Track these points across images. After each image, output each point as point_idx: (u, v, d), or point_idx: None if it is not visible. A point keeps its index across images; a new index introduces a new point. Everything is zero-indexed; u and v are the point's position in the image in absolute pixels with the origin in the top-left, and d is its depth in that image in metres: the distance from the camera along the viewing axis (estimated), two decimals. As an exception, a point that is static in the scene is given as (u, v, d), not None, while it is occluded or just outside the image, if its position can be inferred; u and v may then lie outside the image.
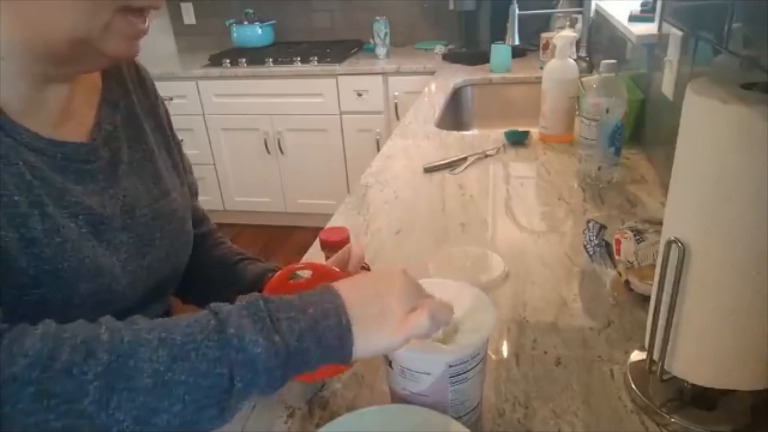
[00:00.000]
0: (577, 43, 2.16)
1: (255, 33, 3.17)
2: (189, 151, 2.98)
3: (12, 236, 0.53)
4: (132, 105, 0.73)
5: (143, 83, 0.77)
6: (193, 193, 0.86)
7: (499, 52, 2.33)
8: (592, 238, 0.94)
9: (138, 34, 0.59)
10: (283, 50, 3.01)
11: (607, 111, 1.17)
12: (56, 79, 0.60)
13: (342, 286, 0.53)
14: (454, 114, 2.18)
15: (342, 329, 0.50)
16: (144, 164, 0.72)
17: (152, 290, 0.71)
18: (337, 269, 0.69)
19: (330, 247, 0.84)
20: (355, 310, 0.51)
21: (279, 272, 0.72)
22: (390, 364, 0.59)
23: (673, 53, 1.11)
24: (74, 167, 0.62)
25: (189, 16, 3.41)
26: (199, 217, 0.88)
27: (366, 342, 0.51)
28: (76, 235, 0.59)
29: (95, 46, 0.56)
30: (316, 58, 2.80)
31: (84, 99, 0.67)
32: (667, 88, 1.15)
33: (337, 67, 2.74)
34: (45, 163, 0.58)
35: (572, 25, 2.30)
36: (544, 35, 2.31)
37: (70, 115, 0.64)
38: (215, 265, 0.84)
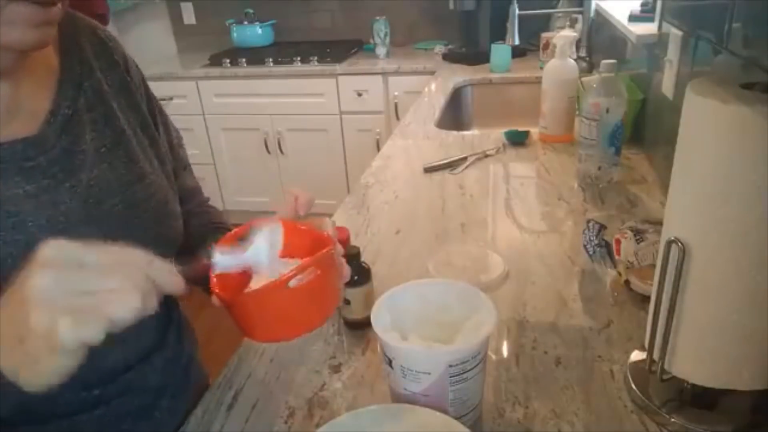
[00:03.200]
0: (577, 43, 2.16)
1: (255, 33, 3.17)
2: (189, 151, 2.96)
3: None
4: (98, 84, 0.66)
5: (109, 58, 0.70)
6: (183, 167, 0.82)
7: (499, 52, 2.33)
8: (592, 238, 0.94)
9: (46, 19, 0.52)
10: (283, 50, 3.01)
11: (607, 111, 1.17)
12: None
13: None
14: (454, 114, 2.18)
15: None
16: (114, 148, 0.66)
17: None
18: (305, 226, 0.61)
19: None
20: (3, 336, 0.41)
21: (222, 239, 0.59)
22: (390, 363, 0.59)
23: (673, 53, 1.11)
24: (17, 167, 0.57)
25: (189, 16, 3.41)
26: (188, 193, 0.82)
27: (31, 368, 0.41)
28: (25, 246, 0.51)
29: None
30: (316, 58, 2.80)
31: (36, 86, 0.61)
32: (667, 88, 1.15)
33: (337, 67, 2.74)
34: None
35: (572, 25, 2.30)
36: (544, 35, 2.31)
37: (16, 110, 0.59)
38: (196, 239, 0.77)
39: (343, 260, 0.61)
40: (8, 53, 0.54)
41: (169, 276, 0.45)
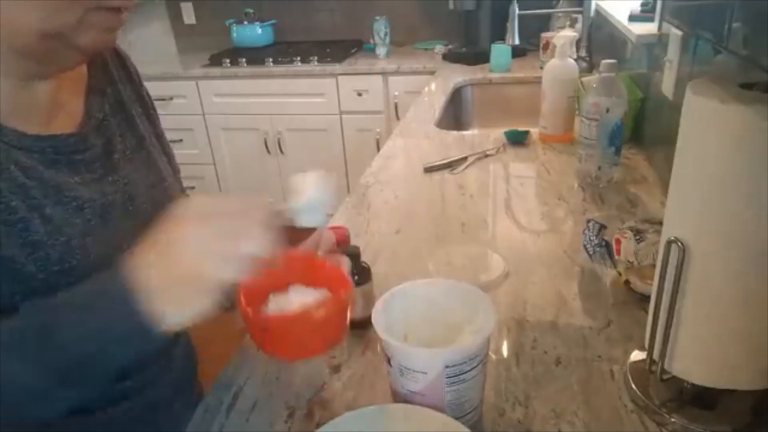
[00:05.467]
0: (577, 43, 2.16)
1: (255, 33, 3.16)
2: (189, 151, 3.00)
3: (15, 243, 0.53)
4: (118, 92, 0.72)
5: (125, 68, 0.75)
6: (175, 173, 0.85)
7: (499, 51, 2.33)
8: (592, 238, 0.94)
9: (115, 26, 0.57)
10: (283, 50, 3.01)
11: (607, 111, 1.17)
12: (40, 76, 0.59)
13: (139, 254, 0.49)
14: (454, 114, 2.18)
15: (137, 317, 0.46)
16: (137, 151, 0.71)
17: None
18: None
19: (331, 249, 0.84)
20: (154, 280, 0.47)
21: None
22: (389, 362, 0.59)
23: (673, 53, 1.11)
24: (66, 159, 0.61)
25: (189, 16, 3.40)
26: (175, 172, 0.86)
27: (178, 309, 0.47)
28: (80, 231, 0.59)
29: (69, 40, 0.55)
30: (316, 58, 2.80)
31: (71, 89, 0.66)
32: (667, 88, 1.15)
33: (337, 67, 2.74)
34: (37, 161, 0.58)
35: (572, 25, 2.30)
36: (544, 35, 2.31)
37: (59, 108, 0.63)
38: None
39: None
40: (78, 55, 0.58)
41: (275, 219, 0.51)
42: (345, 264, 0.65)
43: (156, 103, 0.81)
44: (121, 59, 0.75)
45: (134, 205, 0.67)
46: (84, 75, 0.68)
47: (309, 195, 0.57)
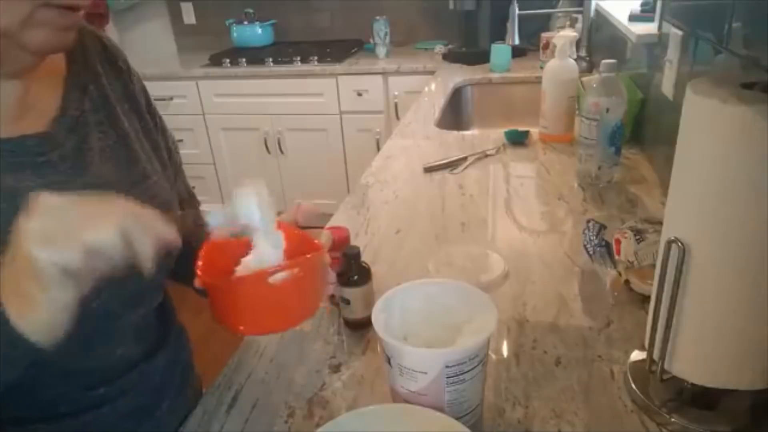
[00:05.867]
0: (577, 43, 2.16)
1: (255, 33, 3.17)
2: (189, 150, 3.00)
3: None
4: (102, 88, 0.68)
5: (113, 64, 0.72)
6: (175, 150, 0.82)
7: (499, 51, 2.33)
8: (592, 238, 0.94)
9: (69, 25, 0.55)
10: (283, 50, 3.01)
11: (607, 111, 1.17)
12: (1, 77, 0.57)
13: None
14: (454, 114, 2.18)
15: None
16: (118, 149, 0.68)
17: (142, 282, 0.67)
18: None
19: (330, 247, 0.84)
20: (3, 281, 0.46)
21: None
22: (389, 361, 0.59)
23: (673, 53, 1.11)
24: (30, 161, 0.58)
25: (189, 16, 3.41)
26: (182, 200, 0.82)
27: (28, 304, 0.45)
28: None
29: (18, 40, 0.52)
30: (316, 58, 2.80)
31: (45, 87, 0.63)
32: (667, 88, 1.15)
33: (337, 67, 2.74)
34: None
35: (572, 25, 2.30)
36: (544, 35, 2.31)
37: (27, 108, 0.60)
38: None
39: (330, 270, 0.63)
40: (28, 55, 0.55)
41: (155, 222, 0.48)
42: (324, 237, 0.62)
43: (156, 104, 0.80)
44: (110, 54, 0.72)
45: None
46: (62, 71, 0.65)
47: (241, 214, 0.55)
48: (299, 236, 0.61)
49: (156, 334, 0.76)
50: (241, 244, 0.58)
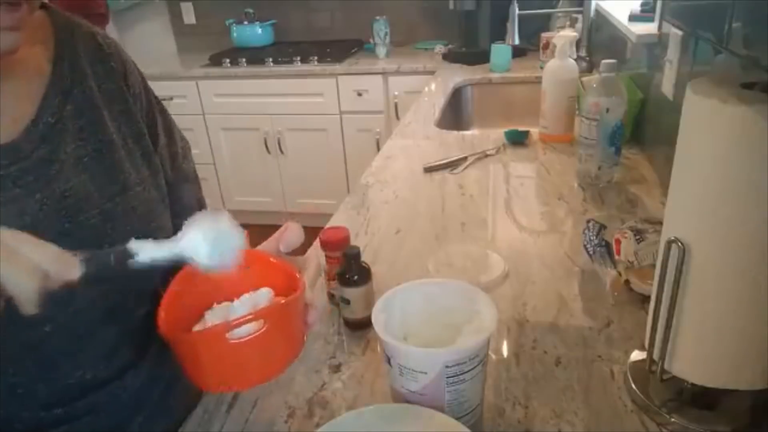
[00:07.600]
0: (577, 43, 2.16)
1: (255, 33, 3.17)
2: (189, 150, 3.00)
3: None
4: (89, 91, 0.64)
5: (106, 64, 0.67)
6: (185, 180, 0.78)
7: (499, 51, 2.33)
8: (592, 238, 0.94)
9: (12, 24, 0.51)
10: (283, 50, 3.01)
11: (607, 111, 1.17)
12: None
13: None
14: (454, 114, 2.18)
15: None
16: (98, 158, 0.63)
17: (116, 300, 0.64)
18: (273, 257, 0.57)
19: (330, 247, 0.84)
20: None
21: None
22: (389, 361, 0.59)
23: (673, 53, 1.11)
24: None
25: (189, 16, 3.41)
26: (188, 209, 0.74)
27: None
28: None
29: None
30: (316, 58, 2.80)
31: (21, 93, 0.59)
32: (667, 88, 1.15)
33: (337, 67, 2.74)
34: None
35: (572, 25, 2.30)
36: (544, 35, 2.31)
37: None
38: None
39: (314, 302, 0.55)
40: None
41: (48, 263, 0.43)
42: (311, 265, 0.57)
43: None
44: (104, 54, 0.67)
45: (74, 221, 0.60)
46: (45, 75, 0.61)
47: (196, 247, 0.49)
48: (275, 268, 0.55)
49: (129, 354, 0.68)
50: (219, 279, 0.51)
